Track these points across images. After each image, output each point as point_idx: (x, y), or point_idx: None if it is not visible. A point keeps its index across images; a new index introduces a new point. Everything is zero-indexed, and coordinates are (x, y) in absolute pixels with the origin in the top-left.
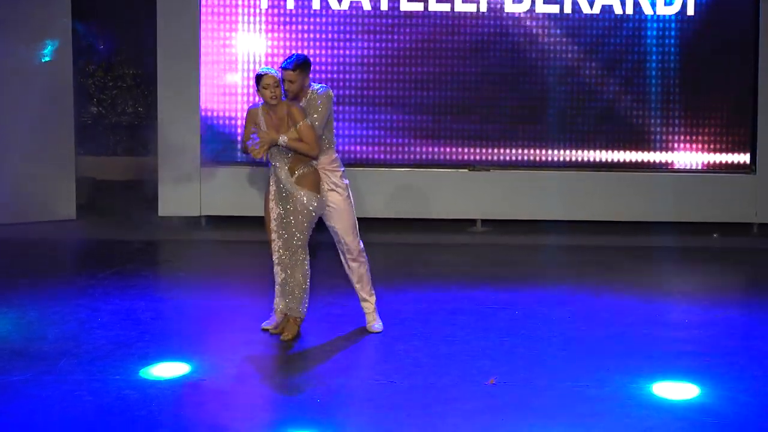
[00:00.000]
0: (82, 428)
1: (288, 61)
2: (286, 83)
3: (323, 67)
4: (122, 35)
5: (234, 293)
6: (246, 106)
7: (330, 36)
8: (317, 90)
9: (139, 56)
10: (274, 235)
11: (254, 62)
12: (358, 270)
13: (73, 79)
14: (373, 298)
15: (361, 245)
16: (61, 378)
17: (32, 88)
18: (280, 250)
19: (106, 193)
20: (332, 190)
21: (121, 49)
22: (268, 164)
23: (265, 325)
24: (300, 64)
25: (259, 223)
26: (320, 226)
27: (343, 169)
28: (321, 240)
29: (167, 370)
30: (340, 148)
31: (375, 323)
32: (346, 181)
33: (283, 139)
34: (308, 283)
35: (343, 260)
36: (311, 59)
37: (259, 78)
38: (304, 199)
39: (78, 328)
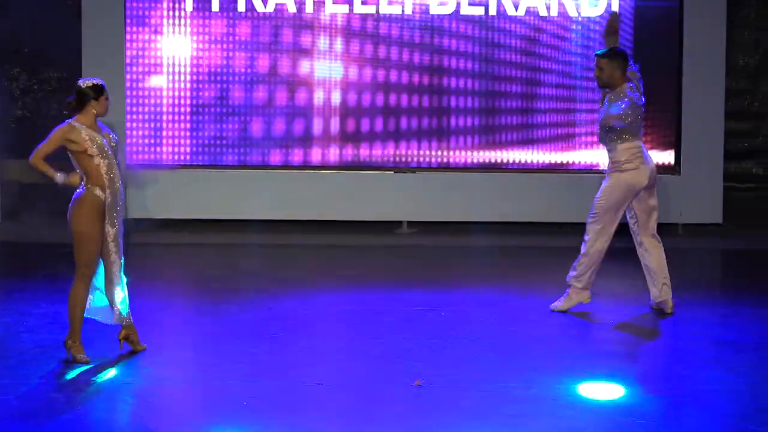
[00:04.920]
0: (6, 430)
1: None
2: (597, 70)
3: (247, 70)
4: (47, 38)
5: (160, 296)
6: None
7: (257, 39)
8: (628, 89)
9: (64, 59)
10: (114, 256)
11: (180, 65)
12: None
13: None
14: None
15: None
16: None
17: None
18: (118, 270)
19: (32, 196)
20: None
21: (46, 52)
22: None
23: None
24: (611, 54)
25: (184, 225)
26: None
27: (629, 158)
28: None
29: (95, 373)
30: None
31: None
32: (621, 170)
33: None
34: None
35: None
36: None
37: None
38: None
39: (5, 332)
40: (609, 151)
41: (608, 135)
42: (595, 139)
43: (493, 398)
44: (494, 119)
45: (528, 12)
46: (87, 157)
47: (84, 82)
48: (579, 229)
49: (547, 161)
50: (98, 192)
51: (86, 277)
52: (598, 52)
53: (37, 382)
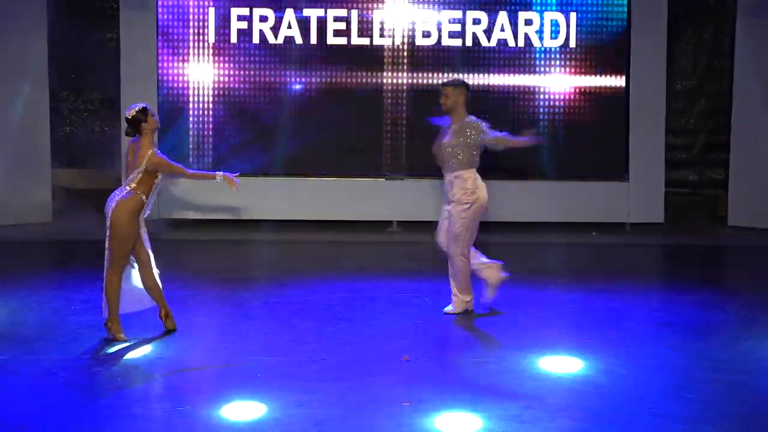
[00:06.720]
0: (56, 399)
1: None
2: (443, 98)
3: (262, 93)
4: (90, 66)
5: (185, 285)
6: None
7: (265, 65)
8: (473, 120)
9: (105, 83)
10: (147, 244)
11: (203, 87)
12: (452, 270)
13: (49, 104)
14: (463, 296)
15: (461, 254)
16: (38, 357)
17: (13, 117)
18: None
19: (77, 200)
20: (454, 202)
21: (89, 77)
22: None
23: None
24: (455, 83)
25: (206, 224)
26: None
27: (469, 187)
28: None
29: (131, 349)
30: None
31: (449, 307)
32: (468, 199)
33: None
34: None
35: None
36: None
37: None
38: None
39: (54, 315)
40: (456, 178)
41: (458, 160)
42: (558, 150)
43: (470, 370)
44: None
45: (498, 42)
46: (154, 173)
47: (129, 111)
48: (540, 227)
49: (512, 170)
50: (144, 198)
51: (121, 268)
52: (444, 82)
53: (82, 357)
